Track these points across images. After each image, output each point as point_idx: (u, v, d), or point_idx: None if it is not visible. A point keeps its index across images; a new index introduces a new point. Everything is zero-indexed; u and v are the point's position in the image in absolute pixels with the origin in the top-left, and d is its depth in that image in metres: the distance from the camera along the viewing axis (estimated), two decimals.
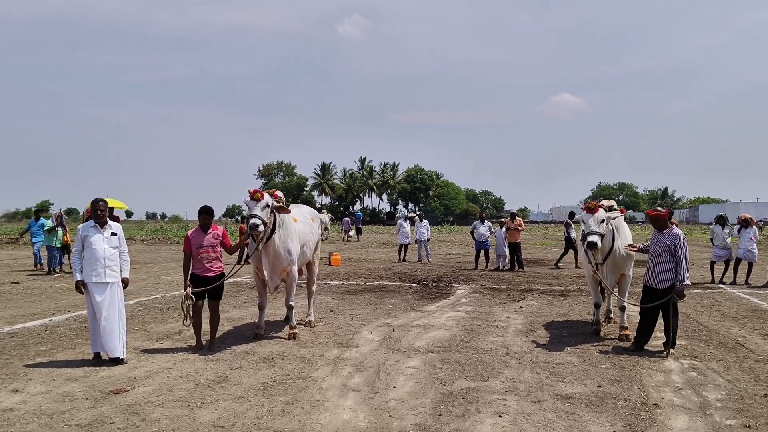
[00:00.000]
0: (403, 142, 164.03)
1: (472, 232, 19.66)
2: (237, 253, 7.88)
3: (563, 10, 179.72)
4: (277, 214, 8.02)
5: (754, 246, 14.72)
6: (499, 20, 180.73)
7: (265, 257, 8.01)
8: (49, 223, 17.25)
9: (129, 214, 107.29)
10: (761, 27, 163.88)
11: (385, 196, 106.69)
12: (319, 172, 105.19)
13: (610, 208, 8.29)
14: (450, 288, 14.12)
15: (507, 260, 18.82)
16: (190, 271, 7.65)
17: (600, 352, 7.66)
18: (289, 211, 8.22)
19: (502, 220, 20.05)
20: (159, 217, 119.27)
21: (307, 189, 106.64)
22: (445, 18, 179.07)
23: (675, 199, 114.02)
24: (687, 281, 7.58)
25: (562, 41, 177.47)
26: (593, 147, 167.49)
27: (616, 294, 8.55)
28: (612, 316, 9.76)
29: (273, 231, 7.95)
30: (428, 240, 21.81)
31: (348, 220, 41.05)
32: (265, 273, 8.06)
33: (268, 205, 7.69)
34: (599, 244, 7.78)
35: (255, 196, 7.62)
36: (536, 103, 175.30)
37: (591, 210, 7.99)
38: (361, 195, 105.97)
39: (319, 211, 53.64)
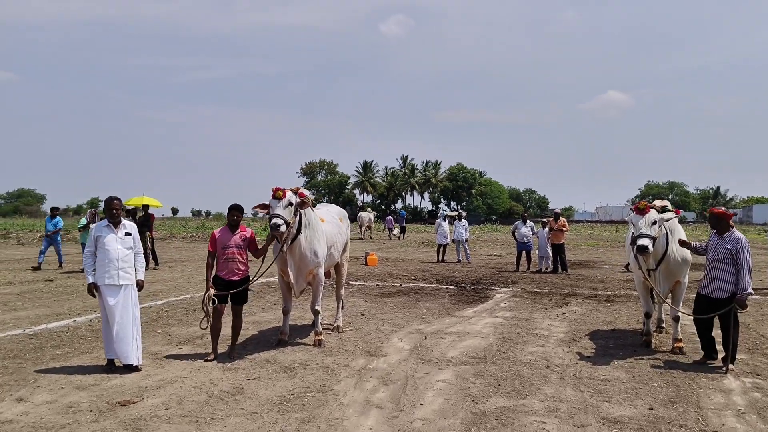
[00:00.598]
0: (445, 141, 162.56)
1: (513, 233, 18.95)
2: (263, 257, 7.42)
3: (612, 7, 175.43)
4: (302, 214, 7.58)
5: None
6: (545, 18, 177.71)
7: (290, 259, 7.58)
8: (82, 221, 17.26)
9: (174, 211, 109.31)
10: None
11: (426, 195, 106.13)
12: (361, 170, 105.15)
13: (662, 209, 7.58)
14: (489, 291, 13.49)
15: (550, 262, 18.06)
16: (213, 272, 7.29)
17: (651, 366, 6.98)
18: (312, 206, 7.78)
19: (545, 219, 19.23)
20: (204, 215, 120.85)
21: (349, 187, 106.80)
22: (489, 16, 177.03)
23: (728, 198, 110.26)
24: (749, 290, 6.87)
25: (609, 39, 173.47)
26: (641, 145, 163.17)
27: (669, 303, 7.82)
28: (663, 325, 9.04)
29: (299, 231, 7.51)
30: (467, 240, 21.16)
31: (391, 219, 41.05)
32: (291, 276, 7.62)
33: (291, 204, 7.24)
34: (650, 248, 7.09)
35: (276, 195, 7.18)
36: (582, 101, 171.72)
37: (641, 210, 7.30)
38: (403, 193, 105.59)
39: (362, 209, 54.57)
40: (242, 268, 7.28)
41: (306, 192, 7.79)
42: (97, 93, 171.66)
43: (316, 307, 8.02)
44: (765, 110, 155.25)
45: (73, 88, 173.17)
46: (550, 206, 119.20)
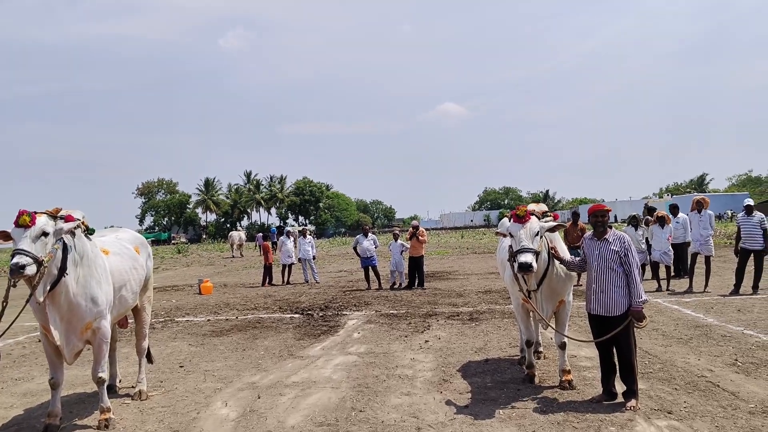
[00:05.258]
0: (290, 155, 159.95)
1: (355, 248, 17.26)
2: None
3: (443, 21, 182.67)
4: (70, 246, 5.34)
5: (670, 248, 13.41)
6: (382, 31, 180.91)
7: (54, 312, 5.29)
8: None
9: None
10: (625, 35, 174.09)
11: (273, 211, 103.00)
12: (203, 188, 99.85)
13: (542, 215, 6.22)
14: (339, 318, 11.71)
15: (404, 276, 16.70)
16: None
17: (543, 413, 5.53)
18: (88, 233, 5.55)
19: (396, 231, 17.88)
20: None
21: (191, 206, 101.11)
22: (330, 29, 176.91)
23: (556, 200, 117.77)
24: (644, 296, 5.70)
25: (443, 51, 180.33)
26: (478, 153, 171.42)
27: (555, 328, 6.47)
28: (541, 350, 7.76)
29: (63, 271, 5.24)
30: (314, 258, 19.32)
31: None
32: (55, 335, 5.32)
33: (45, 234, 5.00)
34: (534, 265, 5.66)
35: (21, 221, 4.92)
36: (421, 112, 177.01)
37: (521, 218, 5.85)
38: (248, 210, 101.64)
39: (235, 229, 51.85)
40: None
41: (76, 214, 5.56)
42: None
43: (100, 374, 5.74)
44: (584, 116, 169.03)
45: None
46: (397, 216, 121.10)
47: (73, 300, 5.35)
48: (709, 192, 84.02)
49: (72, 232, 5.34)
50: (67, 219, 5.41)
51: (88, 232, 5.75)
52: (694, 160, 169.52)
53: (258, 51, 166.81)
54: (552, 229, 6.04)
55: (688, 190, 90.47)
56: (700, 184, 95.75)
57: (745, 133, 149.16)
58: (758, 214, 11.93)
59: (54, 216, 5.22)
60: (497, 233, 6.91)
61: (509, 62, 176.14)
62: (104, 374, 5.77)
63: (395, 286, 16.40)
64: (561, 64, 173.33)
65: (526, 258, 5.57)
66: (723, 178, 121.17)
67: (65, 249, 5.28)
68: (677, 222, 14.00)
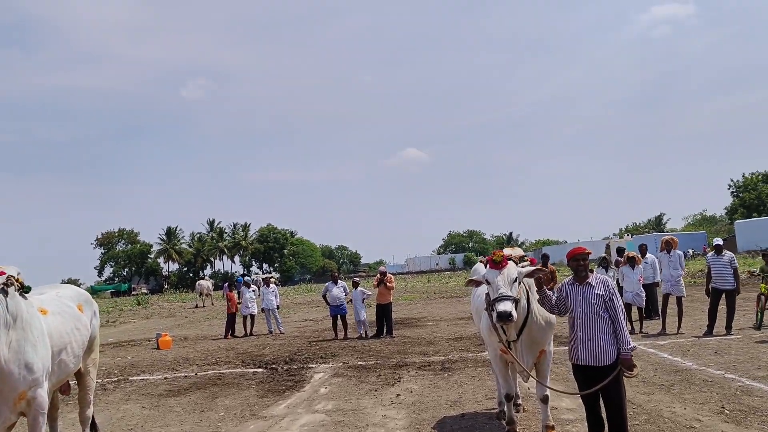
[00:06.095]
0: (253, 202, 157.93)
1: (324, 296, 16.69)
2: None
3: (403, 70, 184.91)
4: (4, 305, 4.78)
5: (642, 289, 13.21)
6: (343, 80, 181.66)
7: None
8: None
9: None
10: (577, 83, 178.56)
11: (237, 258, 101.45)
12: (165, 238, 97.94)
13: (520, 260, 5.87)
14: (305, 371, 11.11)
15: (367, 324, 16.11)
16: None
17: None
18: (23, 292, 5.01)
19: (356, 279, 17.40)
20: None
21: (152, 256, 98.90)
22: (289, 77, 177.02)
23: (519, 242, 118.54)
24: (632, 343, 5.32)
25: (403, 99, 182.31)
26: (441, 197, 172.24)
27: (537, 379, 6.05)
28: (520, 402, 7.33)
29: None
30: (278, 308, 18.65)
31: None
32: None
33: None
34: (515, 314, 5.27)
35: None
36: (384, 158, 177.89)
37: (497, 264, 5.48)
38: (212, 259, 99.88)
39: (202, 278, 51.22)
40: None
41: (10, 270, 5.02)
42: None
43: None
44: (542, 159, 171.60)
45: None
46: (363, 261, 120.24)
47: (4, 367, 4.76)
48: (667, 231, 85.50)
49: (4, 291, 4.80)
50: None
51: (24, 290, 5.20)
52: (651, 200, 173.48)
53: (219, 100, 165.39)
54: (530, 274, 5.68)
55: (647, 229, 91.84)
56: (658, 223, 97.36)
57: (697, 173, 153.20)
58: (728, 254, 11.88)
59: None
60: (470, 281, 6.42)
61: (469, 109, 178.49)
62: None
63: (362, 336, 15.82)
64: (518, 110, 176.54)
65: (506, 306, 5.19)
66: (680, 218, 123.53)
67: None
68: (645, 262, 13.89)
